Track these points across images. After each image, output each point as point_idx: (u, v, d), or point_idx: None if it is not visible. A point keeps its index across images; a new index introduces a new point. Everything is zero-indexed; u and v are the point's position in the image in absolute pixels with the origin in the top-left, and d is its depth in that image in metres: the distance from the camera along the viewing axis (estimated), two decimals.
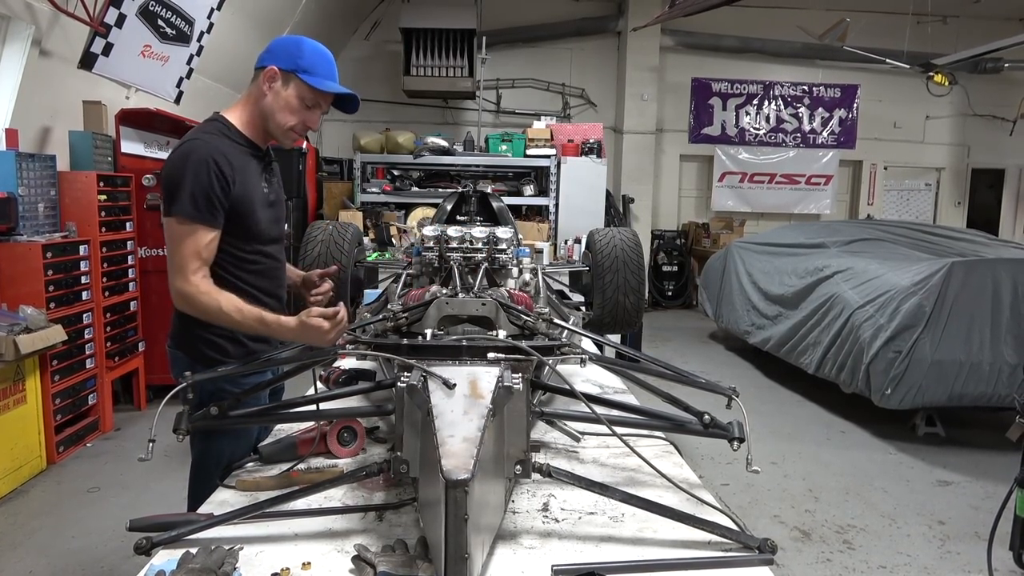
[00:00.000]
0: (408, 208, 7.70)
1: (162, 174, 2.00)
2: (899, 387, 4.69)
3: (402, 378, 1.52)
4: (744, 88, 10.79)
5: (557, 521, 1.61)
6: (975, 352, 4.63)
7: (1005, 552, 2.85)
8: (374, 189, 8.01)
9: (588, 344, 2.60)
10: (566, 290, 4.23)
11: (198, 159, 1.87)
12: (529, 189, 8.13)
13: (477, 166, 8.18)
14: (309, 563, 1.39)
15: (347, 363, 2.61)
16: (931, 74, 9.00)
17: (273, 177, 2.16)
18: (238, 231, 1.98)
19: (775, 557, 1.45)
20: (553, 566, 1.37)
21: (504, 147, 8.12)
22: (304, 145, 7.70)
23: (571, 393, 1.68)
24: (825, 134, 10.99)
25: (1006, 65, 9.76)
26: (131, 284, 5.15)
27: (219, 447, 1.98)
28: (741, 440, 1.64)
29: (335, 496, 1.70)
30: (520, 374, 1.57)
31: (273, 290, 2.13)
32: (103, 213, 4.77)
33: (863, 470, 4.49)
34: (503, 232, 2.84)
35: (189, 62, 5.64)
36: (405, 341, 1.82)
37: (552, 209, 8.00)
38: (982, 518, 3.72)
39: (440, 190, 7.93)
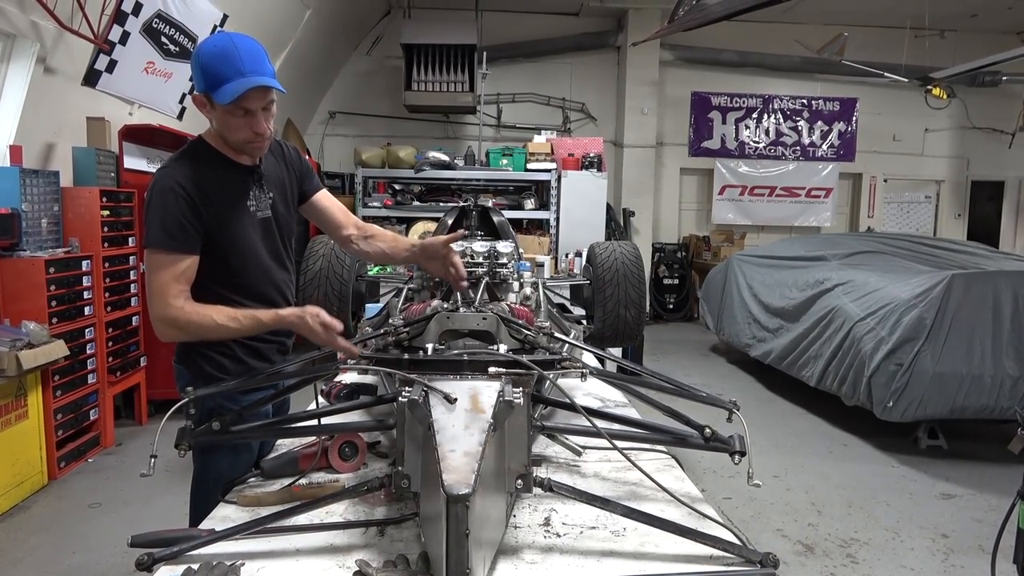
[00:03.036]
0: (409, 222, 7.72)
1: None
2: (901, 400, 4.68)
3: (403, 393, 1.52)
4: (743, 102, 10.84)
5: (559, 536, 1.61)
6: (976, 364, 4.62)
7: (1009, 565, 2.82)
8: (375, 203, 8.04)
9: (589, 358, 2.60)
10: (567, 304, 4.23)
11: (162, 188, 1.87)
12: (530, 203, 8.16)
13: (478, 180, 8.22)
14: None
15: (348, 378, 2.61)
16: (929, 87, 9.05)
17: (265, 192, 2.09)
18: (224, 255, 1.95)
19: (777, 571, 1.45)
20: None
21: (505, 161, 8.15)
22: (305, 158, 7.72)
23: (572, 407, 1.68)
24: (825, 147, 11.02)
25: (1004, 78, 9.80)
26: (133, 299, 5.16)
27: (220, 462, 1.97)
28: (742, 454, 1.64)
29: (336, 511, 1.70)
30: (521, 388, 1.57)
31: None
32: (106, 228, 4.79)
33: (866, 483, 4.47)
34: (504, 246, 2.85)
35: (192, 78, 5.68)
36: (406, 356, 1.82)
37: (553, 223, 8.02)
38: (985, 531, 3.70)
39: (441, 204, 7.96)
